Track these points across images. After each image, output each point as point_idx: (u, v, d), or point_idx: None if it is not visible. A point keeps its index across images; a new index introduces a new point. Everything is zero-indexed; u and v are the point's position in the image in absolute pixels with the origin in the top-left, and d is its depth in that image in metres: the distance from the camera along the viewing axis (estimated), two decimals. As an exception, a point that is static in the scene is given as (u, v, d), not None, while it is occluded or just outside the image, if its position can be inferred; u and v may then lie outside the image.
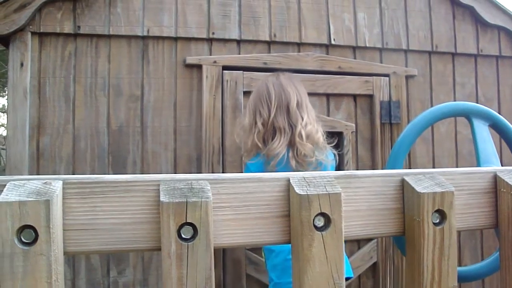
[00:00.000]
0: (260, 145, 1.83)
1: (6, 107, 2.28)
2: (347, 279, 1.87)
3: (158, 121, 2.30)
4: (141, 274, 2.23)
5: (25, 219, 0.63)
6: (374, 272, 2.57)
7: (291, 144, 1.80)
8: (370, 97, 2.60)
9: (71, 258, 2.16)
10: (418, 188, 0.81)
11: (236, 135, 2.18)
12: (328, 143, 1.92)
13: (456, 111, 1.49)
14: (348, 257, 1.97)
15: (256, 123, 1.87)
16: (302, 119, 1.83)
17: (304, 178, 0.77)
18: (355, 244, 2.52)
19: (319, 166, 1.81)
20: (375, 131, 2.58)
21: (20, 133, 2.11)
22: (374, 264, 2.56)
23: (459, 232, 2.70)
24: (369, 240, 2.54)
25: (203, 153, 2.30)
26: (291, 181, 0.76)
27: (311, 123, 1.85)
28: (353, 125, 2.56)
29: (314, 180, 0.77)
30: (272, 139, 1.82)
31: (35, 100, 2.17)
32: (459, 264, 2.51)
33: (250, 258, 2.34)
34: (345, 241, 2.13)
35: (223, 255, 2.31)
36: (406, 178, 0.84)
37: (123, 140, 2.26)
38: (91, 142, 2.22)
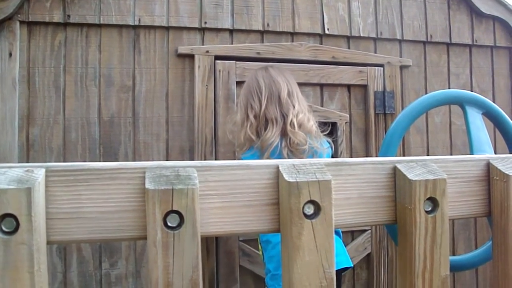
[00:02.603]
0: (253, 137, 1.83)
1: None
2: (346, 269, 1.87)
3: (150, 111, 2.28)
4: (133, 266, 2.22)
5: (5, 208, 0.61)
6: (368, 263, 2.57)
7: (284, 134, 1.80)
8: (364, 87, 2.59)
9: (62, 251, 2.14)
10: (410, 176, 0.79)
11: (228, 132, 2.17)
12: (321, 131, 1.92)
13: (449, 99, 1.48)
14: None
15: (248, 116, 1.86)
16: (294, 108, 1.82)
17: (293, 165, 0.76)
18: (349, 235, 2.51)
19: (315, 154, 1.81)
20: (369, 121, 2.57)
21: (9, 124, 2.08)
22: (368, 255, 2.56)
23: (452, 223, 2.70)
24: (363, 231, 2.54)
25: (195, 144, 2.28)
26: (280, 168, 0.75)
27: (303, 112, 1.85)
28: (347, 115, 2.54)
29: (304, 167, 0.75)
30: (265, 130, 1.81)
31: (24, 90, 2.14)
32: (453, 255, 2.52)
33: (243, 250, 2.33)
34: (343, 232, 2.11)
35: (216, 247, 2.30)
36: (398, 166, 0.82)
37: (115, 131, 2.23)
38: (82, 133, 2.20)
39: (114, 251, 2.20)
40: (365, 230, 2.54)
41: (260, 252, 1.95)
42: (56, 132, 2.17)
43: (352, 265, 1.92)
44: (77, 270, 2.15)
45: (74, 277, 2.15)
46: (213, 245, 2.28)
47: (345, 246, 2.43)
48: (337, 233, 1.90)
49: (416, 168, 0.82)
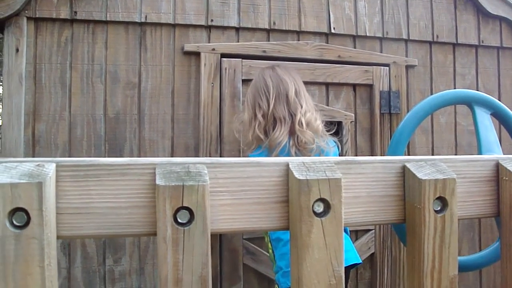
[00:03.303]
0: (262, 136, 1.83)
1: (1, 94, 2.25)
2: (355, 265, 1.87)
3: (156, 109, 2.28)
4: (137, 263, 2.22)
5: (16, 202, 0.61)
6: (372, 263, 2.57)
7: (292, 133, 1.80)
8: (370, 86, 2.58)
9: (66, 246, 2.14)
10: (420, 175, 0.79)
11: (235, 131, 2.18)
12: (327, 131, 1.92)
13: (458, 99, 1.47)
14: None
15: (256, 115, 1.86)
16: (301, 107, 1.83)
17: (303, 163, 0.76)
18: (353, 235, 2.51)
19: (322, 152, 1.81)
20: (375, 121, 2.57)
21: (15, 120, 2.09)
22: (372, 255, 2.56)
23: (458, 222, 2.69)
24: (367, 230, 2.53)
25: (200, 142, 2.28)
26: (290, 166, 0.74)
27: (310, 111, 1.85)
28: (352, 114, 2.54)
29: (314, 165, 0.75)
30: (273, 130, 1.81)
31: (30, 86, 2.14)
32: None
33: (247, 248, 2.33)
34: (351, 231, 2.09)
35: (220, 244, 2.30)
36: (407, 165, 0.82)
37: (120, 128, 2.23)
38: (87, 130, 2.20)
39: (118, 247, 2.20)
40: (369, 230, 2.54)
41: (270, 251, 1.95)
42: (62, 128, 2.17)
43: (361, 261, 1.92)
44: (81, 266, 2.16)
45: (78, 272, 2.15)
46: (217, 243, 2.28)
47: (349, 245, 2.43)
48: (344, 230, 1.90)
49: (425, 167, 0.82)
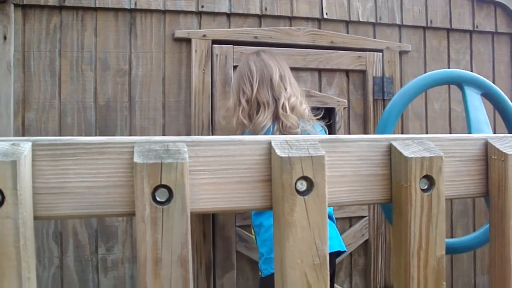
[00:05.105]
0: (245, 121, 1.83)
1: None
2: (340, 253, 1.86)
3: (146, 96, 2.26)
4: (129, 251, 2.21)
5: (-10, 181, 0.60)
6: (366, 250, 2.56)
7: (276, 117, 1.79)
8: (363, 72, 2.56)
9: (58, 236, 2.13)
10: (406, 153, 0.78)
11: (221, 118, 2.17)
12: (314, 116, 1.91)
13: (448, 79, 1.45)
14: (340, 235, 1.96)
15: (240, 101, 1.87)
16: (286, 91, 1.82)
17: (286, 141, 0.74)
18: (346, 221, 2.51)
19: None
20: (368, 107, 2.55)
21: (4, 108, 2.06)
22: (366, 241, 2.55)
23: (451, 209, 2.69)
24: (361, 217, 2.53)
25: (192, 129, 2.26)
26: (272, 143, 0.73)
27: (295, 95, 1.84)
28: (345, 101, 2.52)
29: (297, 143, 0.73)
30: (257, 114, 1.81)
31: (19, 74, 2.12)
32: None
33: (240, 236, 2.32)
34: (340, 218, 2.09)
35: (213, 232, 2.29)
36: (394, 143, 0.80)
37: (111, 116, 2.21)
38: (77, 118, 2.18)
39: (110, 236, 2.19)
40: (363, 217, 2.53)
41: (253, 237, 1.94)
42: (52, 116, 2.15)
43: (346, 249, 1.91)
44: (74, 255, 2.15)
45: (70, 261, 2.14)
46: (209, 230, 2.27)
47: (343, 232, 2.42)
48: (330, 217, 1.89)
49: (412, 145, 0.81)
